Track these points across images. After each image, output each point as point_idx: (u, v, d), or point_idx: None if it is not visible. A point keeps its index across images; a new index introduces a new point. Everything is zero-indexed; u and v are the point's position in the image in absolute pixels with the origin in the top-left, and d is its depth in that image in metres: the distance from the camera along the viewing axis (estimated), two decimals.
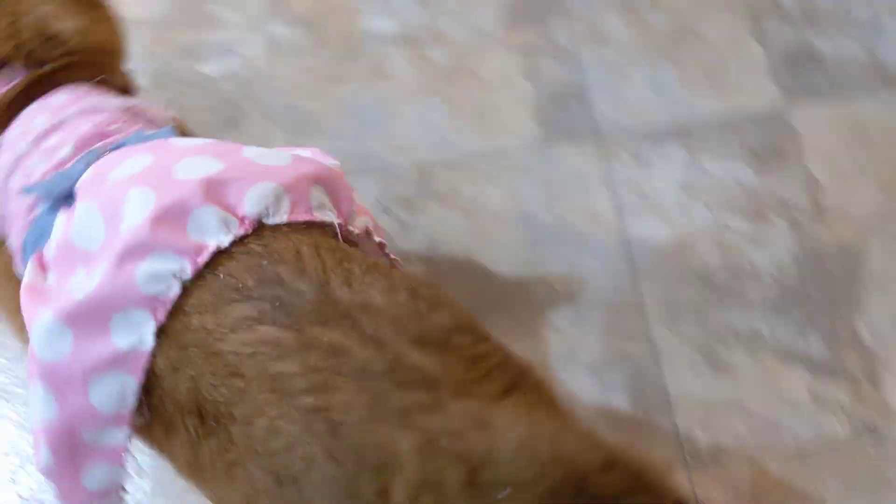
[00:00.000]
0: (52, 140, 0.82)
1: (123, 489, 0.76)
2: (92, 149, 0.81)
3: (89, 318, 0.66)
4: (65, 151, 0.81)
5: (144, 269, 0.66)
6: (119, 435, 0.70)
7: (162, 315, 0.66)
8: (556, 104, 1.45)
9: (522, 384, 0.66)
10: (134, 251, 0.66)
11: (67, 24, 0.91)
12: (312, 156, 0.80)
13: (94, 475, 0.73)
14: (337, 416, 0.60)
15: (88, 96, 0.89)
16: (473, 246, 1.33)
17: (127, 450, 0.72)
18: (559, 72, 1.48)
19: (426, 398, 0.61)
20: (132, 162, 0.73)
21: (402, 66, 1.53)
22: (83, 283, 0.67)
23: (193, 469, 0.70)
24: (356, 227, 0.78)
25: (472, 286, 1.29)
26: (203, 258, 0.67)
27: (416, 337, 0.64)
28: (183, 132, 0.93)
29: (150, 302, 0.66)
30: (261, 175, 0.71)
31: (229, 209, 0.69)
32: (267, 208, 0.69)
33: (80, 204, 0.73)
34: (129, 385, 0.67)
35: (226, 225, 0.68)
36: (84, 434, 0.70)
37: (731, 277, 1.26)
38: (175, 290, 0.66)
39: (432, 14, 1.59)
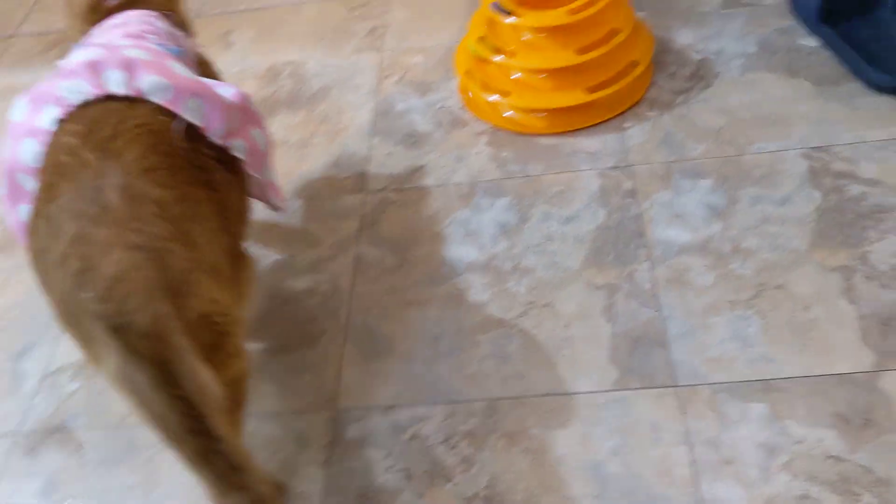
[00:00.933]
0: (116, 31, 1.34)
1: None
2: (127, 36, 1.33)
3: (37, 101, 1.16)
4: (117, 37, 1.31)
5: (66, 84, 1.15)
6: (30, 183, 1.14)
7: (63, 113, 1.13)
8: (634, 347, 1.42)
9: (186, 255, 1.05)
10: (69, 74, 1.17)
11: None
12: (222, 87, 1.27)
13: (23, 210, 1.16)
14: (58, 196, 1.05)
15: (152, 20, 1.40)
16: (536, 492, 1.26)
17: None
18: (638, 313, 1.47)
19: (96, 212, 1.02)
20: (115, 36, 1.31)
21: (482, 295, 1.55)
22: (51, 80, 1.17)
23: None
24: (218, 139, 1.21)
25: None
26: (100, 92, 1.14)
27: (119, 185, 1.05)
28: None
29: (60, 101, 1.14)
30: (164, 73, 1.18)
31: (131, 78, 1.16)
32: (152, 89, 1.16)
33: (83, 49, 1.27)
34: (36, 148, 1.13)
35: (124, 84, 1.15)
36: (18, 176, 1.15)
37: None
38: (75, 101, 1.13)
39: (517, 248, 1.62)
